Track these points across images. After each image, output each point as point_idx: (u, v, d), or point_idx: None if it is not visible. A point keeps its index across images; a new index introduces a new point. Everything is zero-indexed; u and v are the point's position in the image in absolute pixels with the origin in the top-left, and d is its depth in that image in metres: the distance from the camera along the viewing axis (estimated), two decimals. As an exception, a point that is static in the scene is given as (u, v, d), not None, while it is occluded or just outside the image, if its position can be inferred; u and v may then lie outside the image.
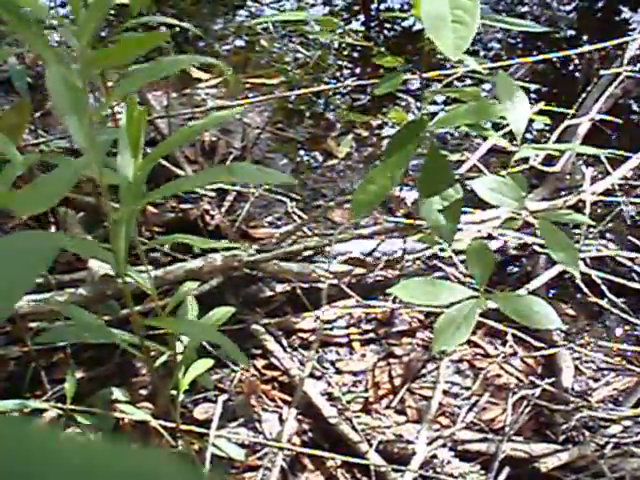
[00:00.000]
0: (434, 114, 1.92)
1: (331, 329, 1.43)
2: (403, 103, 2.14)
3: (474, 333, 1.39)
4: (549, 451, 1.18)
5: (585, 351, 1.37)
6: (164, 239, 1.45)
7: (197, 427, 1.15)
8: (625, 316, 1.38)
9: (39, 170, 1.50)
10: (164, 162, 1.67)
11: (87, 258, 1.34)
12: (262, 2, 2.68)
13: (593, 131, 1.83)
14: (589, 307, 1.47)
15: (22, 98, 1.60)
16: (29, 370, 1.25)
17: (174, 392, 0.99)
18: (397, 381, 1.33)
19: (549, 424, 1.26)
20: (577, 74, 2.27)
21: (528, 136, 1.98)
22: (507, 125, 1.55)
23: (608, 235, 1.63)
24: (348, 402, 1.28)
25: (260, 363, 1.35)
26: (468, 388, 1.33)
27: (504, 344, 1.38)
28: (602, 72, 1.87)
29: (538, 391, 1.28)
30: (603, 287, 1.38)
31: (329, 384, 1.32)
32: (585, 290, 1.36)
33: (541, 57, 1.69)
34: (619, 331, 1.45)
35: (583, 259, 1.43)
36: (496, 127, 1.76)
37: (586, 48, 1.80)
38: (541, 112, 1.50)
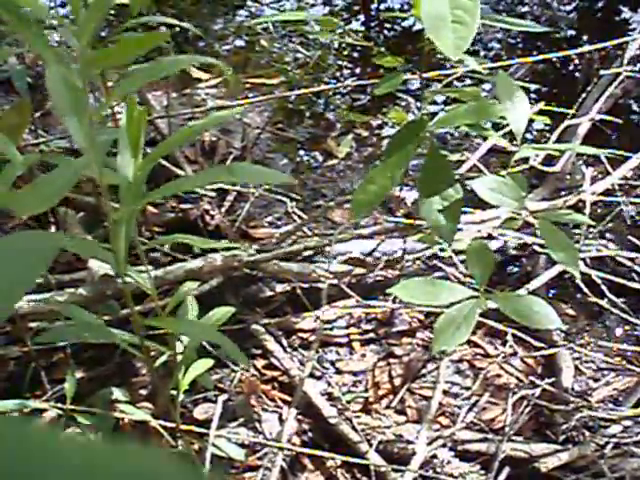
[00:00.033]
0: (434, 114, 1.92)
1: (331, 329, 1.43)
2: (403, 103, 2.14)
3: (474, 333, 1.39)
4: (549, 451, 1.18)
5: (585, 351, 1.37)
6: (164, 239, 1.45)
7: (197, 427, 1.15)
8: (625, 316, 1.38)
9: (39, 170, 1.50)
10: (164, 162, 1.67)
11: (87, 258, 1.34)
12: (262, 2, 2.68)
13: (593, 131, 1.83)
14: (589, 307, 1.47)
15: (22, 98, 1.60)
16: (29, 370, 1.25)
17: (174, 392, 0.99)
18: (397, 381, 1.33)
19: (549, 424, 1.26)
20: (577, 74, 2.27)
21: (528, 136, 1.98)
22: (507, 125, 1.55)
23: (608, 235, 1.63)
24: (348, 402, 1.28)
25: (260, 363, 1.35)
26: (468, 388, 1.32)
27: (504, 344, 1.38)
28: (602, 72, 1.87)
29: (538, 391, 1.28)
30: (603, 287, 1.38)
31: (329, 384, 1.32)
32: (585, 290, 1.36)
33: (541, 57, 1.69)
34: (619, 331, 1.45)
35: (583, 259, 1.43)
36: (496, 127, 1.76)
37: (586, 48, 1.80)
38: (541, 112, 1.50)
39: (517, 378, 1.35)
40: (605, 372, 1.37)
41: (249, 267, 1.42)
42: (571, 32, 2.53)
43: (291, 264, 1.46)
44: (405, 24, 2.53)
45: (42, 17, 0.75)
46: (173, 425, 1.09)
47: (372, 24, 2.61)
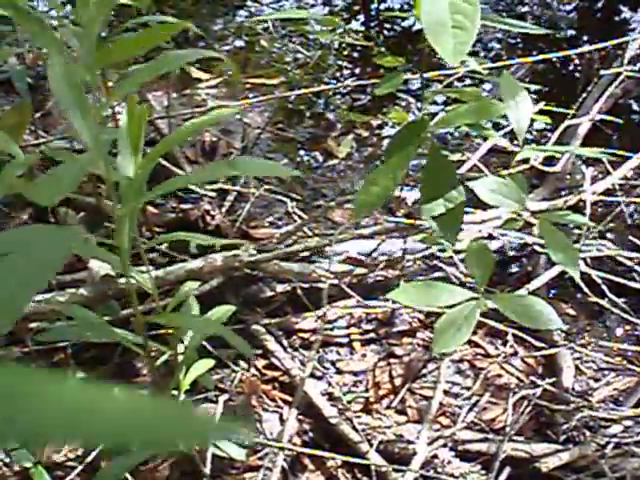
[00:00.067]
0: (434, 114, 1.92)
1: (332, 329, 1.43)
2: (403, 103, 2.14)
3: (474, 333, 1.39)
4: (550, 451, 1.18)
5: (586, 351, 1.37)
6: (165, 237, 1.44)
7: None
8: (626, 316, 1.38)
9: (39, 170, 1.50)
10: (165, 162, 1.67)
11: (88, 258, 1.34)
12: (262, 2, 2.67)
13: (593, 131, 1.83)
14: (590, 307, 1.47)
15: (22, 98, 1.60)
16: (30, 370, 1.25)
17: (175, 392, 0.99)
18: (398, 381, 1.33)
19: (550, 424, 1.26)
20: (577, 74, 2.27)
21: (528, 136, 1.98)
22: (507, 125, 1.55)
23: (608, 235, 1.63)
24: (349, 402, 1.28)
25: (261, 363, 1.35)
26: (469, 388, 1.33)
27: (505, 344, 1.38)
28: (602, 72, 1.87)
29: (539, 391, 1.28)
30: (604, 287, 1.38)
31: (330, 384, 1.32)
32: (586, 290, 1.36)
33: (541, 57, 1.70)
34: (620, 331, 1.45)
35: (584, 259, 1.43)
36: (496, 127, 1.76)
37: (586, 48, 1.80)
38: (541, 112, 1.50)
39: (518, 378, 1.35)
40: (606, 372, 1.37)
41: (249, 267, 1.42)
42: (571, 32, 2.54)
43: (292, 264, 1.46)
44: (405, 24, 2.53)
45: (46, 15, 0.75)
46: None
47: (372, 24, 2.61)
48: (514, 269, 1.58)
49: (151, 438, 0.21)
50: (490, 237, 1.50)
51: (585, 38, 2.49)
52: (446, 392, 1.31)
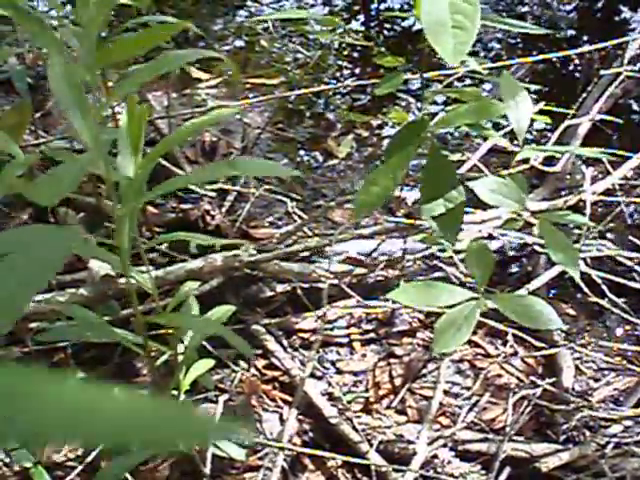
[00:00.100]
0: (434, 114, 1.92)
1: (332, 329, 1.43)
2: (403, 103, 2.14)
3: (474, 333, 1.39)
4: (550, 451, 1.18)
5: (586, 351, 1.37)
6: (165, 237, 1.44)
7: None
8: (626, 316, 1.38)
9: (39, 170, 1.50)
10: (165, 163, 1.67)
11: (88, 259, 1.34)
12: (262, 2, 2.67)
13: (593, 131, 1.83)
14: (589, 307, 1.47)
15: (22, 98, 1.60)
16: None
17: (175, 392, 0.99)
18: (398, 381, 1.33)
19: (550, 424, 1.26)
20: (577, 74, 2.27)
21: (528, 136, 1.98)
22: (507, 125, 1.55)
23: (608, 235, 1.63)
24: (349, 402, 1.28)
25: (261, 363, 1.35)
26: (469, 388, 1.33)
27: (505, 344, 1.38)
28: (602, 72, 1.87)
29: (539, 391, 1.28)
30: (604, 287, 1.38)
31: (330, 384, 1.32)
32: (586, 290, 1.36)
33: (541, 57, 1.70)
34: (620, 331, 1.45)
35: (584, 259, 1.43)
36: (496, 127, 1.76)
37: (586, 48, 1.80)
38: (541, 112, 1.50)
39: (518, 378, 1.35)
40: (606, 372, 1.37)
41: (249, 267, 1.42)
42: (571, 32, 2.54)
43: (292, 264, 1.46)
44: (405, 24, 2.53)
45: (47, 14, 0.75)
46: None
47: (372, 24, 2.61)
48: (514, 269, 1.58)
49: (151, 438, 0.21)
50: (490, 237, 1.50)
51: (585, 38, 2.49)
52: (446, 392, 1.31)
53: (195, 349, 0.99)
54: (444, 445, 1.20)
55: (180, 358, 0.97)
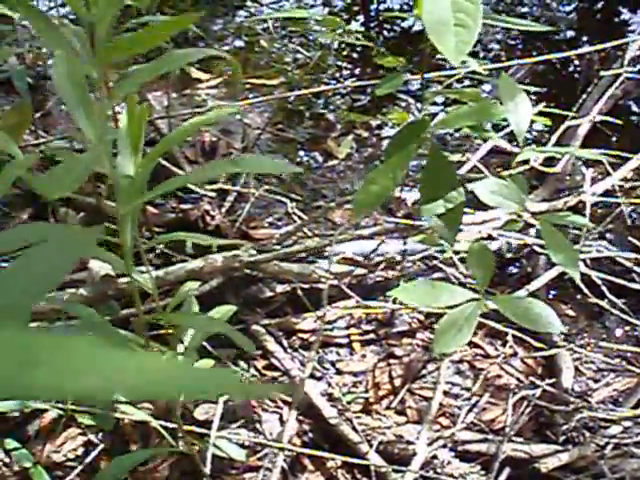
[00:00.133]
0: (434, 115, 1.92)
1: (331, 330, 1.43)
2: (403, 104, 2.14)
3: (474, 334, 1.38)
4: (549, 452, 1.18)
5: (585, 352, 1.37)
6: (165, 237, 1.44)
7: (198, 428, 1.15)
8: (625, 317, 1.38)
9: (39, 171, 1.50)
10: (165, 163, 1.67)
11: (88, 258, 1.34)
12: (262, 2, 2.68)
13: (593, 132, 1.83)
14: (589, 308, 1.47)
15: (23, 98, 1.61)
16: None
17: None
18: (397, 382, 1.33)
19: (549, 425, 1.26)
20: (577, 75, 2.28)
21: (528, 136, 1.98)
22: (507, 126, 1.55)
23: (608, 236, 1.63)
24: (348, 403, 1.28)
25: (260, 364, 1.35)
26: (468, 389, 1.33)
27: (504, 345, 1.38)
28: (602, 73, 1.88)
29: (538, 392, 1.28)
30: (603, 288, 1.38)
31: (329, 385, 1.32)
32: (585, 291, 1.36)
33: (541, 58, 1.70)
34: (619, 332, 1.45)
35: (583, 260, 1.43)
36: (496, 128, 1.76)
37: (586, 49, 1.81)
38: (541, 113, 1.50)
39: (517, 379, 1.35)
40: (605, 373, 1.37)
41: (249, 267, 1.42)
42: (571, 33, 2.54)
43: (291, 264, 1.46)
44: (404, 25, 2.53)
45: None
46: (174, 426, 1.09)
47: (372, 24, 2.62)
48: (514, 270, 1.58)
49: (177, 390, 0.22)
50: (490, 238, 1.50)
51: (585, 39, 2.49)
52: (446, 393, 1.31)
53: (195, 349, 0.99)
54: (444, 446, 1.20)
55: (180, 358, 0.97)
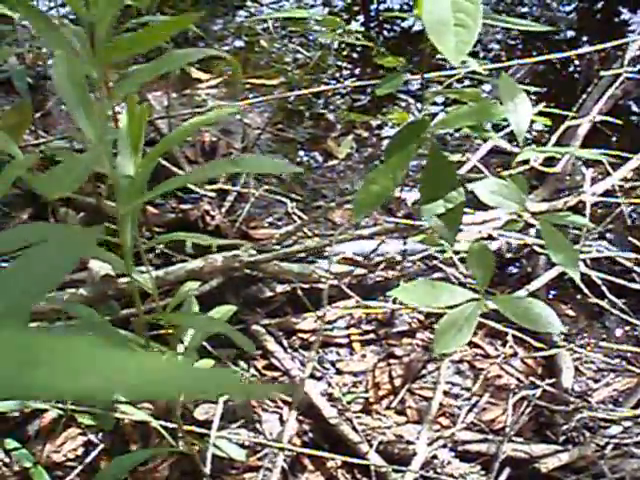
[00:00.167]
0: (434, 115, 1.92)
1: (331, 330, 1.43)
2: (403, 104, 2.14)
3: (474, 334, 1.38)
4: (549, 452, 1.18)
5: (585, 352, 1.37)
6: (165, 237, 1.44)
7: (198, 428, 1.15)
8: (625, 317, 1.38)
9: (39, 171, 1.50)
10: (165, 163, 1.67)
11: (88, 258, 1.34)
12: (262, 2, 2.68)
13: (593, 132, 1.83)
14: (589, 308, 1.47)
15: (23, 98, 1.61)
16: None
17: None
18: (397, 382, 1.33)
19: (549, 425, 1.26)
20: (577, 75, 2.28)
21: (528, 137, 1.98)
22: (507, 126, 1.55)
23: (608, 236, 1.63)
24: (348, 403, 1.28)
25: (260, 364, 1.35)
26: (468, 389, 1.33)
27: (504, 345, 1.38)
28: (602, 73, 1.88)
29: (538, 392, 1.28)
30: (603, 288, 1.38)
31: (329, 385, 1.32)
32: (585, 291, 1.36)
33: (541, 58, 1.70)
34: (619, 332, 1.45)
35: (583, 260, 1.43)
36: (496, 128, 1.76)
37: (586, 49, 1.81)
38: (541, 113, 1.50)
39: (517, 379, 1.35)
40: (605, 373, 1.37)
41: (249, 267, 1.42)
42: (571, 33, 2.54)
43: (291, 264, 1.46)
44: (404, 25, 2.53)
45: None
46: (174, 426, 1.09)
47: (372, 24, 2.62)
48: (514, 270, 1.58)
49: (178, 390, 0.22)
50: (490, 238, 1.50)
51: (585, 39, 2.49)
52: (446, 393, 1.31)
53: (195, 349, 0.99)
54: (444, 446, 1.20)
55: (180, 358, 0.97)
